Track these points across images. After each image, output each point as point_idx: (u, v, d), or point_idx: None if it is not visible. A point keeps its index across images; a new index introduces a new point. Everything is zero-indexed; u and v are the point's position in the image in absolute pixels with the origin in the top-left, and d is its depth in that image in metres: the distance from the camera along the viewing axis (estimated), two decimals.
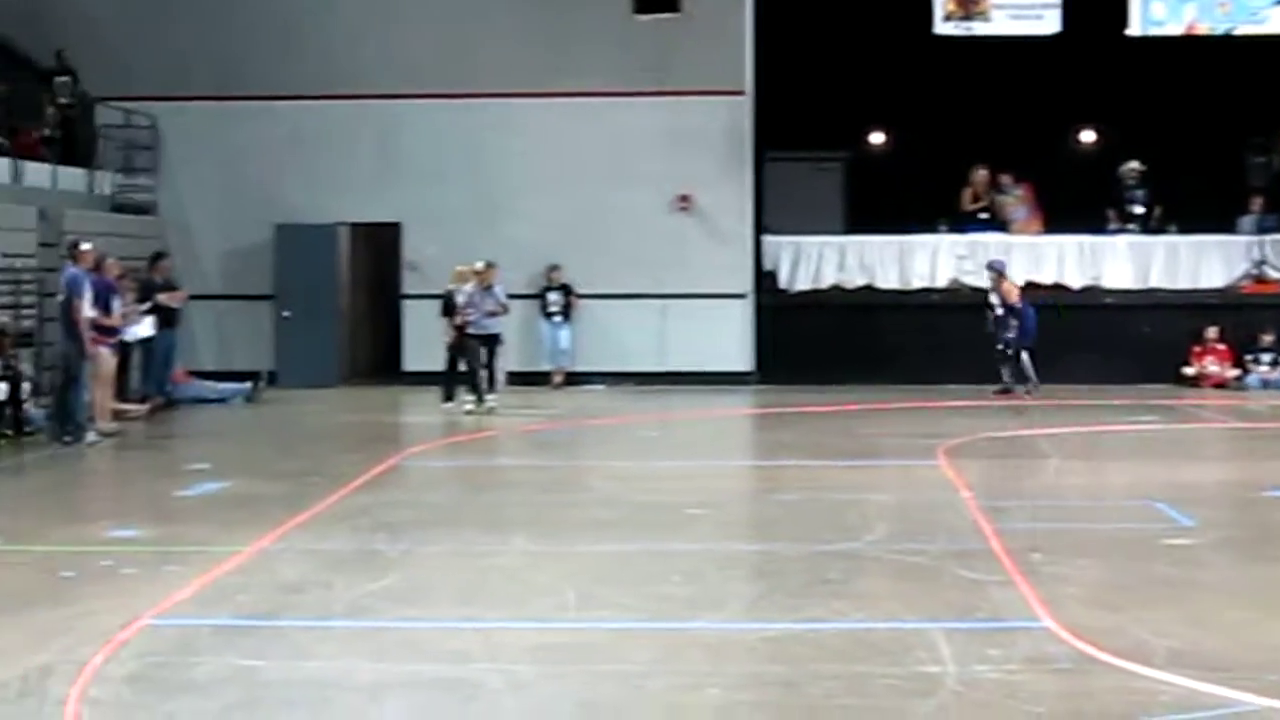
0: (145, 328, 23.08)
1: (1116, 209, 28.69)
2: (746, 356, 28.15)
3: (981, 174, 29.00)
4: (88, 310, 20.24)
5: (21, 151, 24.79)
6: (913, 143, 29.79)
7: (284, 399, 25.99)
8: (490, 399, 23.61)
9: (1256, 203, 28.66)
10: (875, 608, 10.75)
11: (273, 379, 27.43)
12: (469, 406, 23.58)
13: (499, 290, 24.12)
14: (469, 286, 23.96)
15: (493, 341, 24.16)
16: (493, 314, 24.01)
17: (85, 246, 20.96)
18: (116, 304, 21.75)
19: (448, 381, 24.12)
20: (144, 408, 23.33)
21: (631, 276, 28.16)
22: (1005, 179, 29.06)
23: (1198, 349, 27.68)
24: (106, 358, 21.23)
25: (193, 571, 11.93)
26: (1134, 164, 28.61)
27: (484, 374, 23.92)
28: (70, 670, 9.17)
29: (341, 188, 28.53)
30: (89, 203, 26.51)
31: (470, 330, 23.75)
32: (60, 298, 20.58)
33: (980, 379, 25.87)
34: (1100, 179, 28.66)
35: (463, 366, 23.90)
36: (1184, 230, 28.33)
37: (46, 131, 25.87)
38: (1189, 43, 28.17)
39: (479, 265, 24.11)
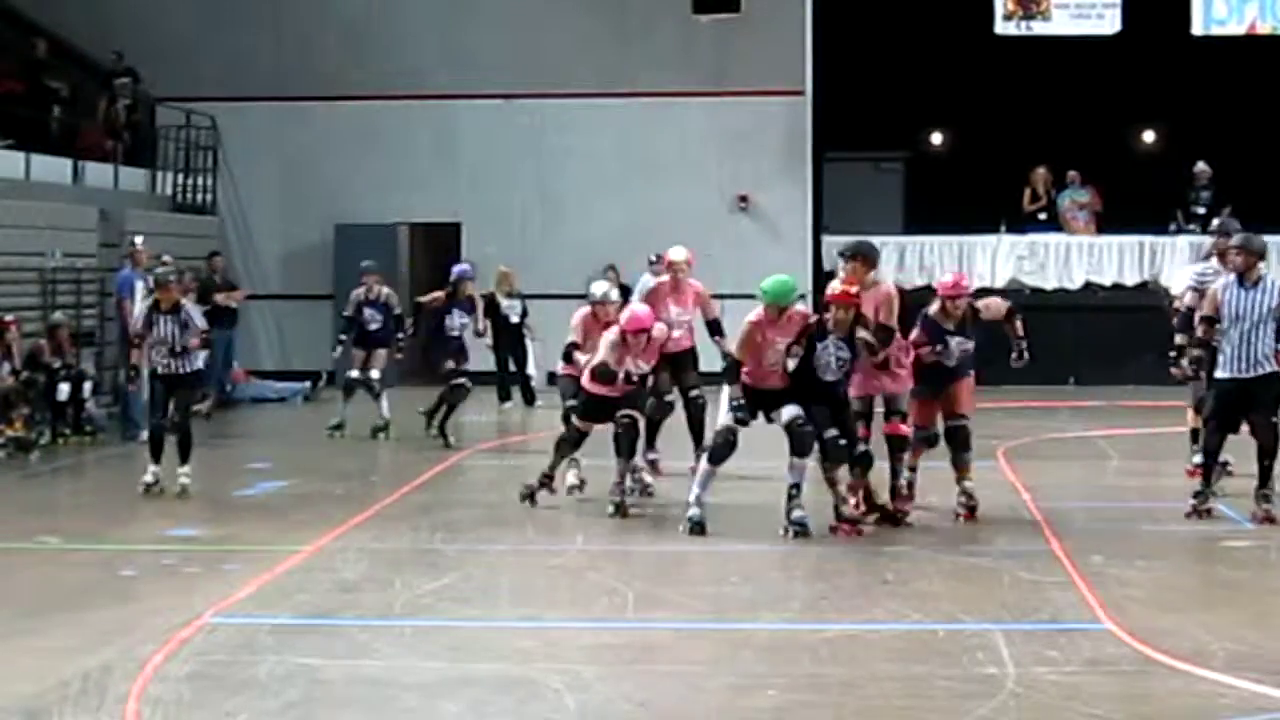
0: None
1: (1183, 210, 28.44)
2: None
3: (1042, 174, 28.84)
4: (137, 310, 20.34)
5: (84, 152, 24.93)
6: (973, 143, 29.70)
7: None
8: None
9: None
10: (934, 609, 10.73)
11: (332, 379, 27.49)
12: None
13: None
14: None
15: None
16: None
17: (139, 245, 21.15)
18: None
19: (501, 381, 24.20)
20: (203, 407, 23.39)
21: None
22: (1072, 175, 28.83)
23: None
24: None
25: (253, 570, 11.99)
26: (1203, 165, 28.36)
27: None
28: (131, 668, 9.23)
29: (401, 188, 28.59)
30: (150, 203, 26.65)
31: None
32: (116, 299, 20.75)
33: (1040, 379, 25.73)
34: (1161, 179, 28.44)
35: (514, 367, 24.08)
36: (1245, 230, 28.06)
37: (110, 134, 25.99)
38: (1251, 42, 27.97)
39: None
